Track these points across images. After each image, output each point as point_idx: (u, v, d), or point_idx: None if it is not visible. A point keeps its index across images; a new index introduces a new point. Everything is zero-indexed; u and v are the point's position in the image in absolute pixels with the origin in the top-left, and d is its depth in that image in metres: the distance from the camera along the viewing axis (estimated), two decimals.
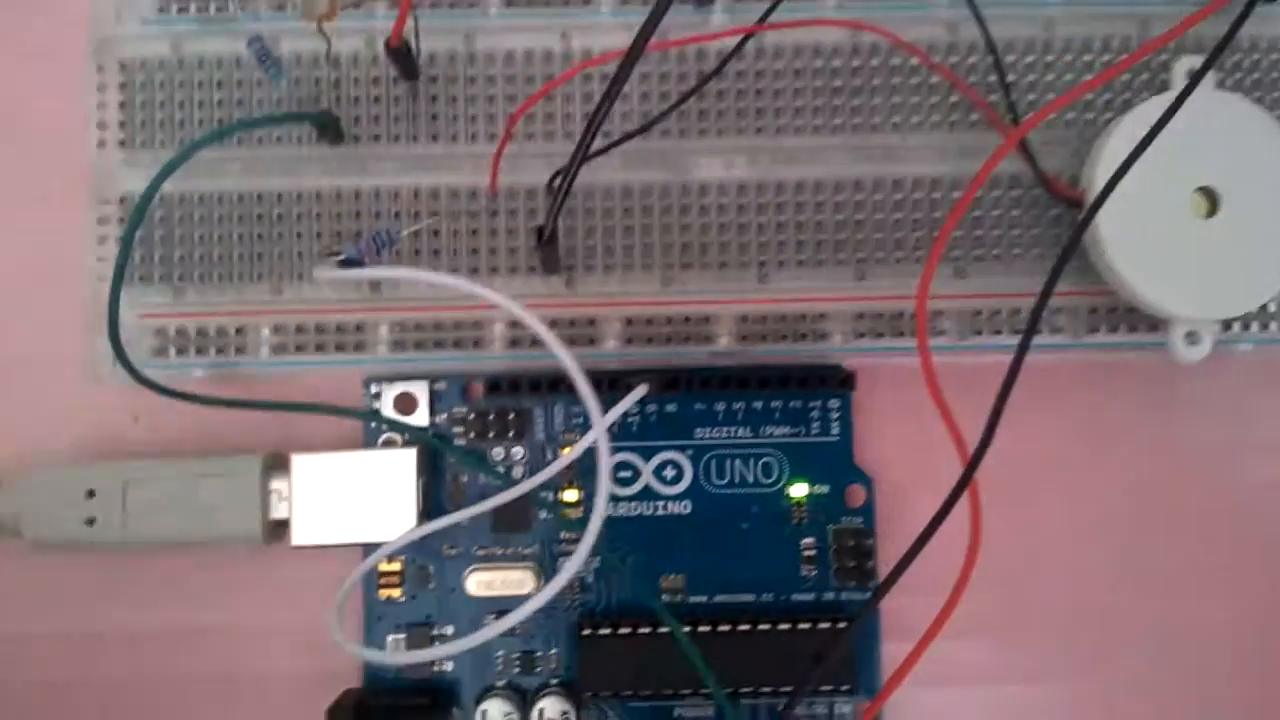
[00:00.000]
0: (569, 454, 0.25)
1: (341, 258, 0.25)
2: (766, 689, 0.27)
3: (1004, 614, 0.29)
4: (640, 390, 0.26)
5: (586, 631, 0.28)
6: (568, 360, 0.21)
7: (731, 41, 0.28)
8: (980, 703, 0.29)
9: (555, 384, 0.28)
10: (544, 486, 0.28)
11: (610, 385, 0.28)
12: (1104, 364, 0.30)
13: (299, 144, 0.28)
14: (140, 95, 0.28)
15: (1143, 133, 0.24)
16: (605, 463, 0.21)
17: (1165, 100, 0.25)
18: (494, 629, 0.21)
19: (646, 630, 0.27)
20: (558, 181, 0.26)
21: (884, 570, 0.29)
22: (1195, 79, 0.25)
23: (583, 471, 0.29)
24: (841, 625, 0.28)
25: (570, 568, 0.21)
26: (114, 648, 0.29)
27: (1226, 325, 0.29)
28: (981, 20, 0.27)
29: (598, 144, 0.27)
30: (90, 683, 0.29)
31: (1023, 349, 0.23)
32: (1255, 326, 0.29)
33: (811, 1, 0.29)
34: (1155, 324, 0.28)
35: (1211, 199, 0.27)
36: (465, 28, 0.28)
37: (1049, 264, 0.28)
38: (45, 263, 0.29)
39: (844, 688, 0.27)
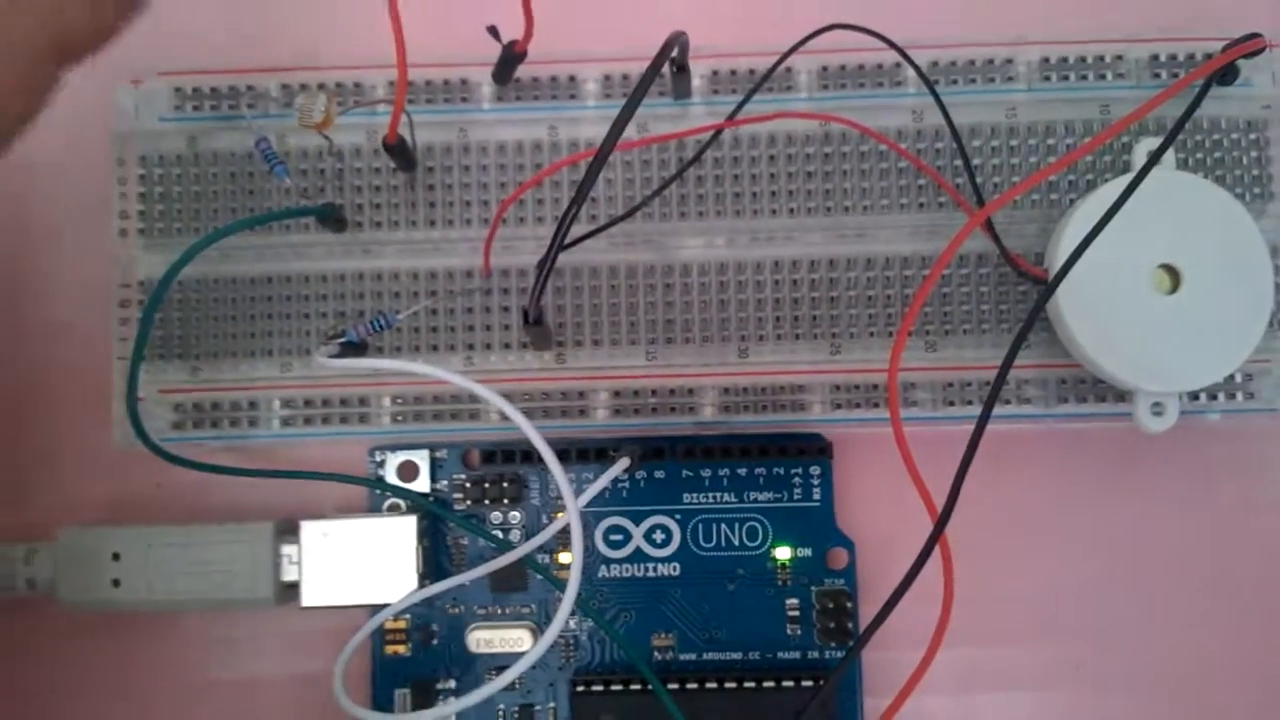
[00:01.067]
0: (556, 522, 0.26)
1: (343, 340, 0.27)
2: None
3: (980, 669, 0.31)
4: (623, 463, 0.28)
5: (580, 688, 0.29)
6: (537, 440, 0.23)
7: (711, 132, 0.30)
8: None
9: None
10: (540, 550, 0.30)
11: (598, 455, 0.30)
12: (1074, 433, 0.31)
13: (305, 231, 0.30)
14: (158, 186, 0.30)
15: (1102, 212, 0.26)
16: (578, 534, 0.23)
17: (1125, 181, 0.26)
18: (466, 700, 0.22)
19: (637, 687, 0.29)
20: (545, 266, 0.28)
21: (863, 624, 0.30)
22: (1151, 160, 0.26)
23: None
24: (824, 683, 0.29)
25: (551, 633, 0.23)
26: (134, 703, 0.31)
27: (1194, 396, 0.30)
28: (944, 108, 0.29)
29: (585, 229, 0.29)
30: None
31: (984, 419, 0.24)
32: (1222, 396, 0.30)
33: (784, 95, 0.30)
34: (1122, 395, 0.30)
35: (1174, 275, 0.28)
36: (459, 120, 0.30)
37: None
38: (75, 341, 0.31)
39: None
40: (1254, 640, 0.31)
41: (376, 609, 0.28)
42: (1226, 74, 0.30)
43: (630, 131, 0.30)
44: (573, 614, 0.30)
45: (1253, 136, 0.30)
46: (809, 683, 0.29)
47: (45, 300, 0.32)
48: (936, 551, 0.24)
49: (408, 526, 0.29)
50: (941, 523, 0.23)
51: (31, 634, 0.31)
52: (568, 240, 0.28)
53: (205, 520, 0.29)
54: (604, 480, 0.27)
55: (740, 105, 0.29)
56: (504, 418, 0.28)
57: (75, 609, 0.29)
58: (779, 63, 0.29)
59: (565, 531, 0.30)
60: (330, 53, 0.31)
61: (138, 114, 0.31)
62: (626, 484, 0.31)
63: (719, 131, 0.29)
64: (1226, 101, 0.30)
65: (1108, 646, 0.31)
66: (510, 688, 0.30)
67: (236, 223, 0.28)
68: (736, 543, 0.30)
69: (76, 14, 0.21)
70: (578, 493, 0.28)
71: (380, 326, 0.28)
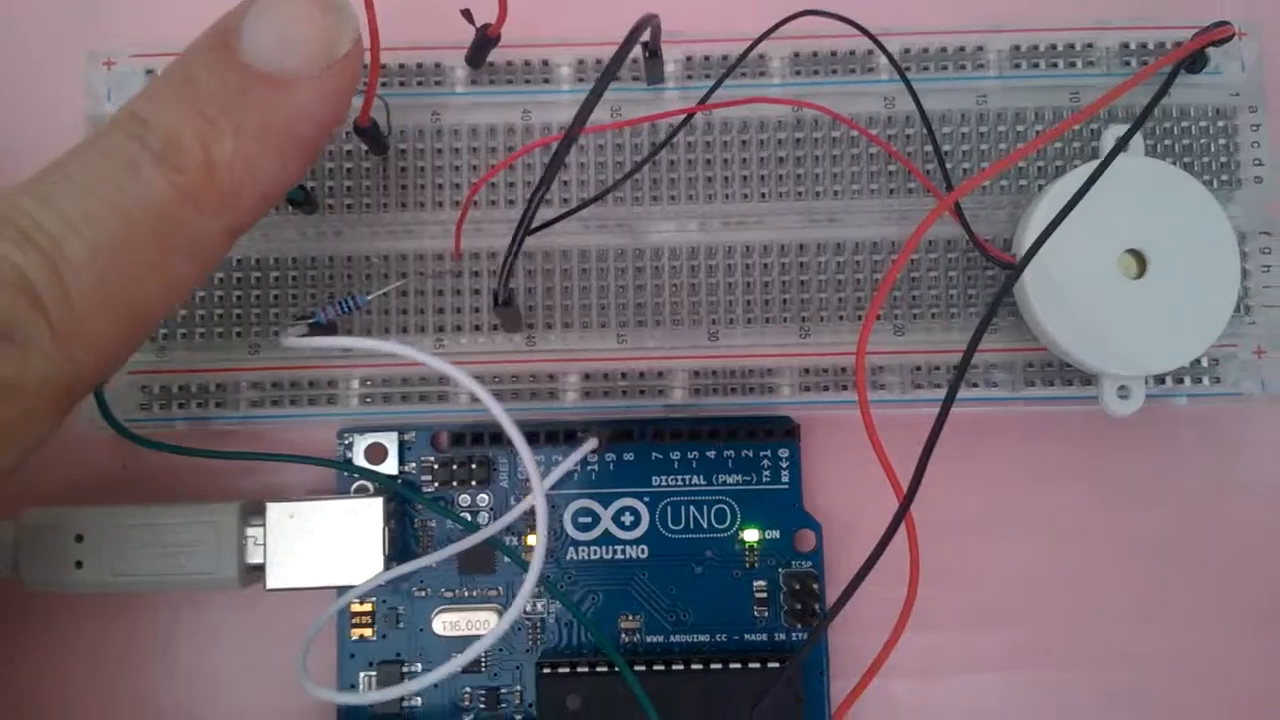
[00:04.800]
0: (522, 503, 0.27)
1: (311, 321, 0.27)
2: None
3: (948, 652, 0.31)
4: (590, 444, 0.28)
5: (546, 670, 0.29)
6: (503, 417, 0.23)
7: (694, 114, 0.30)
8: None
9: None
10: (509, 531, 0.30)
11: (567, 437, 0.30)
12: (1041, 416, 0.31)
13: (276, 213, 0.30)
14: None
15: (1069, 198, 0.26)
16: (543, 515, 0.23)
17: (1092, 167, 0.26)
18: (424, 680, 0.22)
19: (604, 669, 0.29)
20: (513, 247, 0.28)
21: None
22: (1118, 146, 0.27)
23: None
24: (788, 663, 0.29)
25: (512, 612, 0.23)
26: (98, 683, 0.30)
27: (1160, 380, 0.30)
28: (915, 95, 0.29)
29: (557, 211, 0.29)
30: (73, 716, 0.30)
31: (949, 400, 0.24)
32: (1188, 381, 0.30)
33: (757, 80, 0.31)
34: (1088, 379, 0.30)
35: (1140, 260, 0.29)
36: (433, 104, 0.30)
37: None
38: None
39: None
40: (1221, 623, 0.31)
41: (343, 591, 0.28)
42: (1196, 62, 0.30)
43: (604, 115, 0.30)
44: (539, 596, 0.30)
45: (1221, 124, 0.30)
46: (776, 664, 0.29)
47: None
48: (904, 534, 0.24)
49: (374, 508, 0.29)
50: (907, 501, 0.23)
51: None
52: (539, 223, 0.28)
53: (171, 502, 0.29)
54: (570, 461, 0.27)
55: (712, 89, 0.29)
56: (473, 400, 0.28)
57: (38, 591, 0.28)
58: (751, 48, 0.29)
59: (534, 513, 0.30)
60: None
61: (110, 96, 0.30)
62: (595, 466, 0.31)
63: (690, 115, 0.29)
64: (1196, 89, 0.31)
65: (1076, 629, 0.31)
66: (477, 670, 0.30)
67: None
68: (705, 525, 0.31)
69: None
70: (545, 474, 0.28)
71: (349, 308, 0.28)
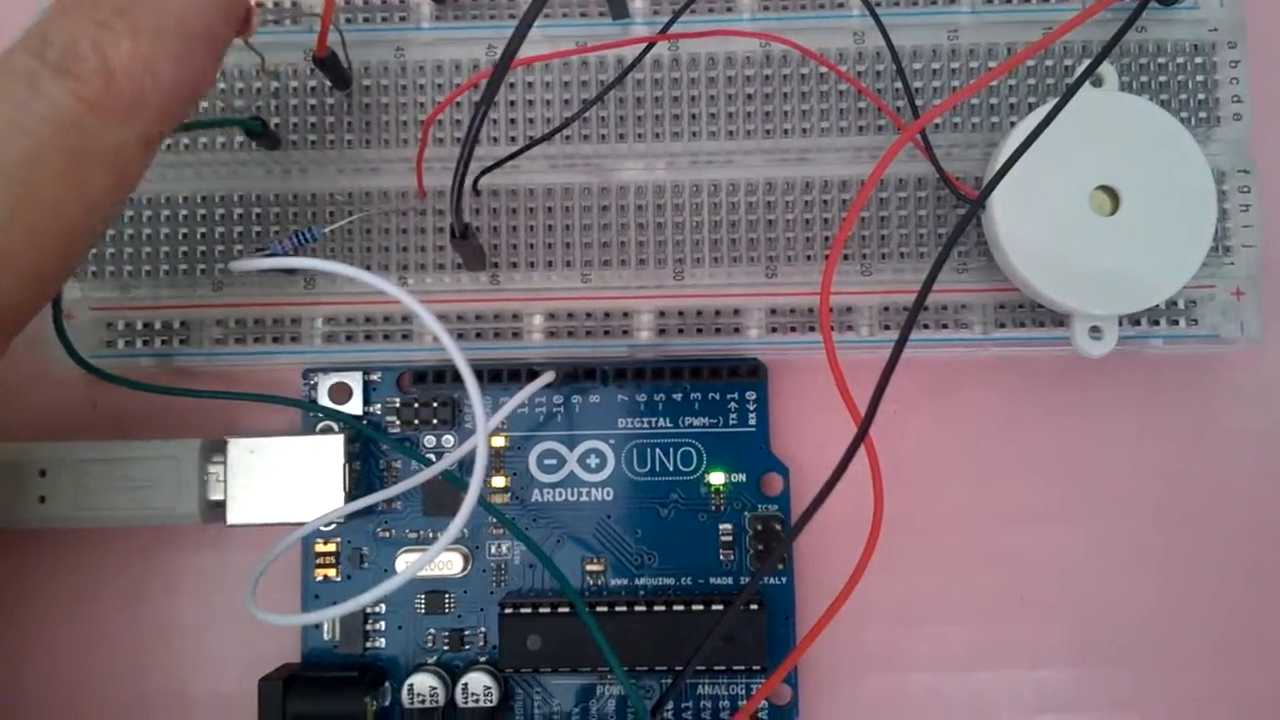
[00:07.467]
0: (473, 437, 0.26)
1: (267, 253, 0.27)
2: (680, 668, 0.28)
3: (919, 599, 0.30)
4: (547, 376, 0.28)
5: (508, 610, 0.29)
6: (453, 348, 0.23)
7: (658, 50, 0.30)
8: (894, 688, 0.30)
9: (481, 375, 0.30)
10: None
11: (530, 377, 0.30)
12: (1014, 358, 0.31)
13: (240, 150, 0.30)
14: None
15: (1039, 132, 0.26)
16: (483, 446, 0.22)
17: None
18: (363, 598, 0.22)
19: (565, 610, 0.29)
20: (480, 181, 0.28)
21: (799, 554, 0.30)
22: (1082, 76, 0.26)
23: (510, 458, 0.30)
24: (754, 608, 0.29)
25: (449, 533, 0.22)
26: (62, 620, 0.31)
27: (1136, 322, 0.30)
28: (884, 30, 0.28)
29: (517, 146, 0.29)
30: (39, 650, 0.31)
31: (905, 333, 0.23)
32: (1164, 323, 0.30)
33: (726, 16, 0.30)
34: (1061, 320, 0.29)
35: (1114, 197, 0.28)
36: (396, 39, 0.30)
37: (954, 262, 0.29)
38: None
39: (755, 667, 0.29)
40: (1197, 567, 0.31)
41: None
42: None
43: (568, 47, 0.30)
44: (503, 538, 0.30)
45: (1199, 60, 0.30)
46: (740, 608, 0.29)
47: None
48: (869, 473, 0.23)
49: (335, 445, 0.28)
50: (865, 424, 0.23)
51: None
52: (500, 158, 0.28)
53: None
54: (526, 393, 0.27)
55: (674, 17, 0.29)
56: (436, 340, 0.28)
57: (2, 525, 0.29)
58: None
59: (499, 455, 0.30)
60: None
61: None
62: (561, 409, 0.30)
63: (652, 44, 0.29)
64: (1173, 25, 0.30)
65: (1047, 576, 0.31)
66: (441, 612, 0.30)
67: None
68: (671, 468, 0.30)
69: None
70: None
71: (305, 239, 0.28)
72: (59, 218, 0.21)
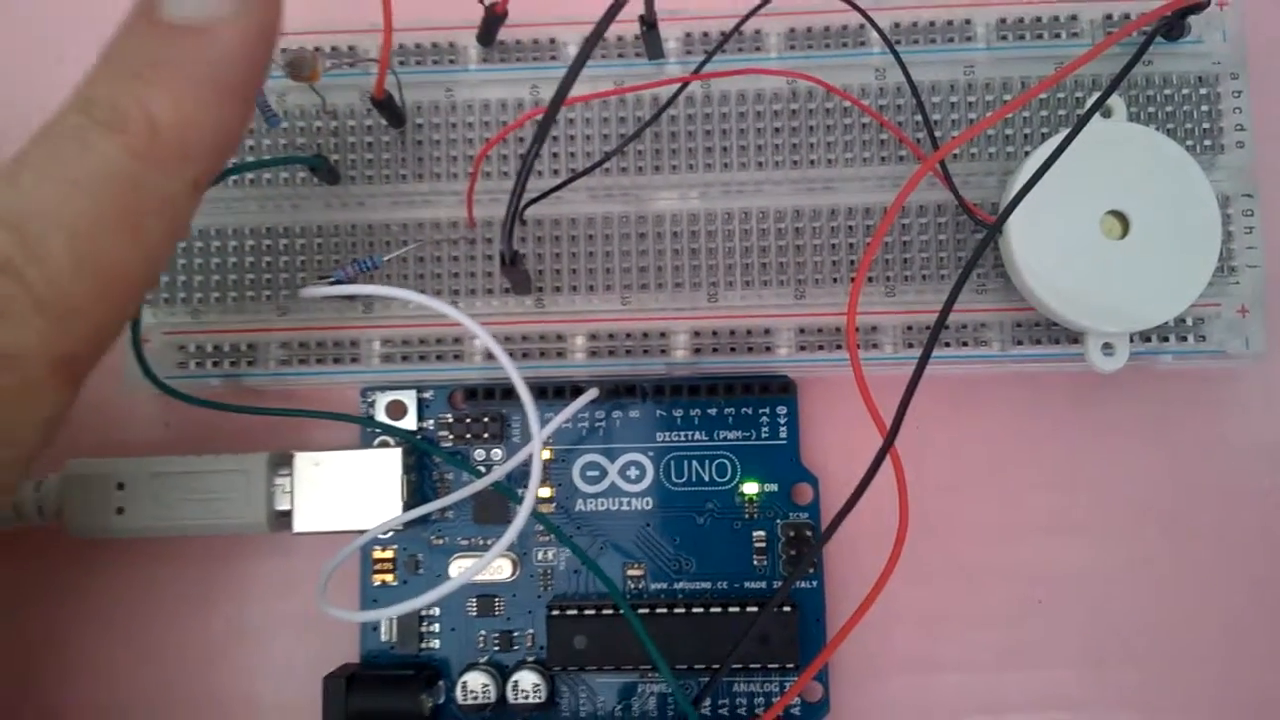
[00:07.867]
0: (524, 449, 0.28)
1: (331, 280, 0.29)
2: (716, 666, 0.30)
3: (943, 606, 0.32)
4: (591, 394, 0.30)
5: (555, 612, 0.31)
6: (509, 366, 0.25)
7: (692, 88, 0.32)
8: (919, 686, 0.32)
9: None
10: (521, 483, 0.32)
11: (574, 394, 0.32)
12: (1031, 375, 0.32)
13: (302, 185, 0.32)
14: None
15: (1052, 161, 0.27)
16: (537, 456, 0.24)
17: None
18: (418, 601, 0.24)
19: (609, 612, 0.31)
20: (526, 210, 0.30)
21: (829, 561, 0.32)
22: (1093, 107, 0.28)
23: (555, 470, 0.32)
24: (788, 610, 0.30)
25: (509, 535, 0.24)
26: (139, 624, 0.33)
27: (1146, 338, 0.31)
28: (904, 67, 0.30)
29: (560, 179, 0.31)
30: (117, 654, 0.33)
31: (927, 351, 0.25)
32: (1174, 339, 0.31)
33: (754, 55, 0.32)
34: (1075, 337, 0.31)
35: (1123, 221, 0.30)
36: (446, 80, 0.32)
37: (973, 284, 0.31)
38: None
39: (788, 666, 0.30)
40: (1209, 577, 0.32)
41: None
42: (1178, 30, 0.31)
43: (607, 87, 0.32)
44: (550, 545, 0.32)
45: (1203, 91, 0.31)
46: (774, 611, 0.30)
47: None
48: (894, 483, 0.25)
49: (393, 458, 0.30)
50: (891, 435, 0.25)
51: (40, 561, 0.33)
52: (545, 190, 0.30)
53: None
54: (572, 409, 0.28)
55: (707, 59, 0.31)
56: (489, 357, 0.30)
57: (81, 536, 0.30)
58: (745, 20, 0.31)
59: (545, 467, 0.32)
60: (325, 19, 0.33)
61: None
62: (603, 423, 0.32)
63: (686, 83, 0.31)
64: (1178, 58, 0.32)
65: (1065, 586, 0.32)
66: (492, 615, 0.32)
67: (231, 168, 0.30)
68: (706, 478, 0.32)
69: None
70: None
71: (367, 267, 0.30)
72: (122, 270, 0.22)
